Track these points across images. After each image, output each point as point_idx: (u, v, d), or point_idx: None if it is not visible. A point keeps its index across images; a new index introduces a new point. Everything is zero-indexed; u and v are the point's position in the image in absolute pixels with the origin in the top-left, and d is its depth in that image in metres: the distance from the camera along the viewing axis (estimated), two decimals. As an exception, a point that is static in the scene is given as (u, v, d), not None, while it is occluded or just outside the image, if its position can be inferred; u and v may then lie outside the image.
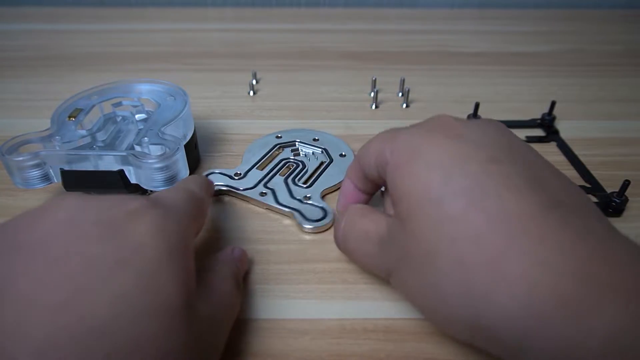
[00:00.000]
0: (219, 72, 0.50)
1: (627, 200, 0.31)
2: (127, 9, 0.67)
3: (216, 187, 0.31)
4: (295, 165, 0.34)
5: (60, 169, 0.28)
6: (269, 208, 0.30)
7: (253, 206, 0.31)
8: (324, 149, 0.35)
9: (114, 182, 0.28)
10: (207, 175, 0.32)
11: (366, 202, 0.26)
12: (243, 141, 0.38)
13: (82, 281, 0.15)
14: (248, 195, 0.31)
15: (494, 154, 0.18)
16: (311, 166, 0.33)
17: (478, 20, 0.66)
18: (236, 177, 0.32)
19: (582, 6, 0.71)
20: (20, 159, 0.27)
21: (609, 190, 0.32)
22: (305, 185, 0.32)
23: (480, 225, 0.17)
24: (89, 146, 0.30)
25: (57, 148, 0.29)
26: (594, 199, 0.32)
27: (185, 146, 0.30)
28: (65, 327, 0.14)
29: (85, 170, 0.29)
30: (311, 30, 0.61)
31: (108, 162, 0.29)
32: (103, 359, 0.14)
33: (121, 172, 0.28)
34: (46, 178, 0.28)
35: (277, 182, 0.32)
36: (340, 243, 0.24)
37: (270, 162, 0.34)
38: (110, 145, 0.30)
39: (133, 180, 0.29)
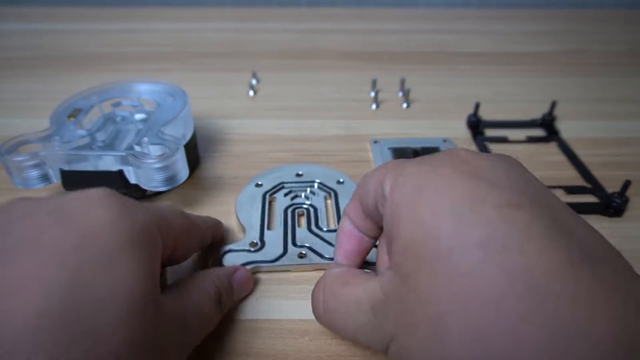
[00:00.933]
0: (219, 72, 0.50)
1: (627, 200, 0.31)
2: (126, 9, 0.67)
3: (249, 268, 0.25)
4: (305, 210, 0.30)
5: (60, 169, 0.28)
6: (319, 268, 0.26)
7: (293, 274, 0.26)
8: (320, 183, 0.32)
9: (113, 183, 0.28)
10: (224, 253, 0.26)
11: (369, 248, 0.22)
12: (243, 141, 0.38)
13: (33, 269, 0.15)
14: (286, 264, 0.26)
15: (512, 197, 0.16)
16: (319, 205, 0.30)
17: (478, 20, 0.66)
18: (254, 249, 0.27)
19: (583, 6, 0.71)
20: (20, 159, 0.27)
21: (609, 191, 0.32)
22: (335, 228, 0.28)
23: (499, 284, 0.14)
24: (89, 146, 0.29)
25: (57, 148, 0.29)
26: (595, 200, 0.32)
27: (185, 146, 0.30)
28: (18, 315, 0.13)
29: (85, 170, 0.28)
30: (311, 30, 0.61)
31: (107, 162, 0.29)
32: (62, 349, 0.14)
33: (121, 172, 0.28)
34: (45, 178, 0.28)
35: (303, 236, 0.28)
36: (322, 317, 0.20)
37: (273, 216, 0.29)
38: (109, 146, 0.30)
39: (133, 181, 0.29)
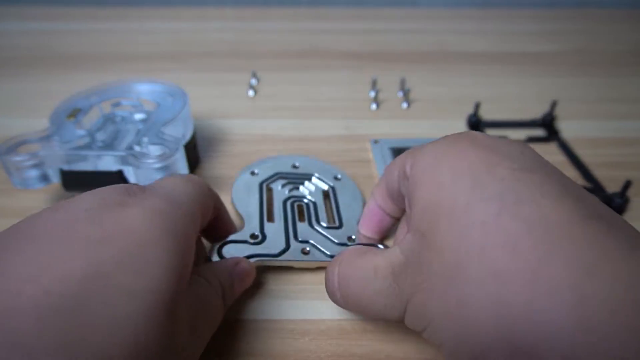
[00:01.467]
0: (219, 72, 0.50)
1: (628, 200, 0.30)
2: (126, 9, 0.67)
3: (253, 262, 0.25)
4: (305, 205, 0.29)
5: (60, 169, 0.28)
6: (321, 266, 0.26)
7: (294, 275, 0.26)
8: (318, 177, 0.31)
9: (113, 183, 0.28)
10: (224, 244, 0.25)
11: (389, 227, 0.25)
12: (243, 141, 0.38)
13: (56, 257, 0.15)
14: (290, 259, 0.25)
15: (524, 164, 0.17)
16: (318, 201, 0.29)
17: (479, 20, 0.66)
18: (254, 241, 0.26)
19: (584, 5, 0.71)
20: (19, 159, 0.27)
21: (610, 191, 0.32)
22: (336, 225, 0.28)
23: (516, 231, 0.15)
24: (88, 146, 0.29)
25: (56, 148, 0.29)
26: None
27: (185, 146, 0.30)
28: (31, 299, 0.13)
29: (85, 170, 0.28)
30: (311, 30, 0.61)
31: (107, 162, 0.29)
32: (67, 338, 0.13)
33: (120, 172, 0.28)
34: (45, 178, 0.28)
35: (304, 231, 0.27)
36: (337, 291, 0.20)
37: (272, 208, 0.28)
38: (109, 146, 0.30)
39: (132, 181, 0.29)
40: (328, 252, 0.26)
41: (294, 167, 0.32)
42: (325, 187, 0.31)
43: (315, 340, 0.23)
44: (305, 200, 0.29)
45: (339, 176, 0.32)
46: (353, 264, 0.20)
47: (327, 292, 0.21)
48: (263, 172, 0.31)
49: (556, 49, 0.56)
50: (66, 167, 0.28)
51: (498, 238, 0.15)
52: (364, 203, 0.29)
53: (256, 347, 0.22)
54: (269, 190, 0.30)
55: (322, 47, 0.56)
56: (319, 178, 0.31)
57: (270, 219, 0.28)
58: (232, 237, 0.26)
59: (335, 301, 0.21)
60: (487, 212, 0.16)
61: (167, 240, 0.17)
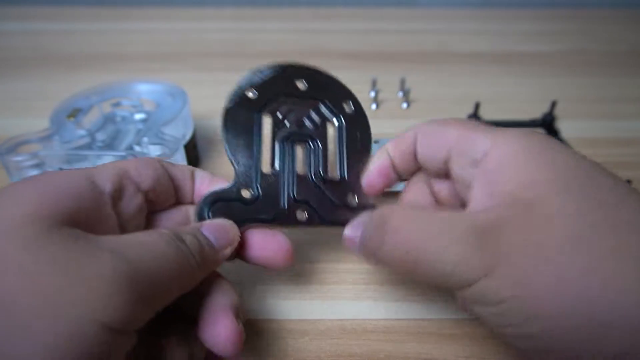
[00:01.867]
0: (219, 72, 0.50)
1: (627, 200, 0.30)
2: (127, 9, 0.67)
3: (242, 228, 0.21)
4: (309, 146, 0.24)
5: (60, 169, 0.28)
6: (319, 228, 0.23)
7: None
8: (327, 106, 0.25)
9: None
10: (213, 202, 0.21)
11: (391, 186, 0.24)
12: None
13: None
14: (284, 224, 0.22)
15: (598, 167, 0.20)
16: (323, 139, 0.25)
17: (479, 20, 0.66)
18: (247, 197, 0.22)
19: (583, 6, 0.71)
20: (19, 159, 0.27)
21: (609, 191, 0.32)
22: (338, 178, 0.24)
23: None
24: (88, 146, 0.29)
25: (56, 148, 0.29)
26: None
27: (185, 146, 0.30)
28: None
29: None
30: (311, 30, 0.61)
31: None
32: None
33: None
34: (45, 178, 0.28)
35: (303, 185, 0.23)
36: (389, 240, 0.19)
37: (267, 144, 0.24)
38: (109, 145, 0.30)
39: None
40: (324, 216, 0.23)
41: (299, 87, 0.25)
42: (335, 122, 0.25)
43: (315, 340, 0.23)
44: (311, 144, 0.25)
45: (352, 107, 0.26)
46: (418, 217, 0.19)
47: (365, 240, 0.20)
48: (261, 93, 0.24)
49: (556, 49, 0.57)
50: (66, 167, 0.28)
51: (622, 218, 0.17)
52: (371, 150, 0.26)
53: (256, 347, 0.22)
54: (266, 117, 0.24)
55: (322, 47, 0.56)
56: (328, 108, 0.25)
57: (265, 163, 0.23)
58: (220, 192, 0.22)
59: (369, 249, 0.19)
60: (607, 196, 0.18)
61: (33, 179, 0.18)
